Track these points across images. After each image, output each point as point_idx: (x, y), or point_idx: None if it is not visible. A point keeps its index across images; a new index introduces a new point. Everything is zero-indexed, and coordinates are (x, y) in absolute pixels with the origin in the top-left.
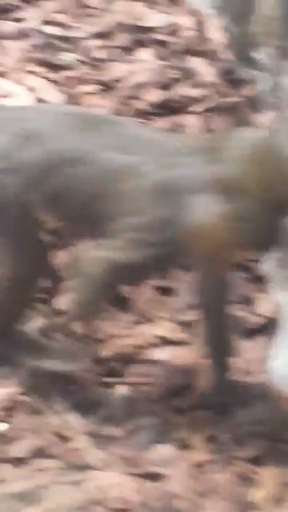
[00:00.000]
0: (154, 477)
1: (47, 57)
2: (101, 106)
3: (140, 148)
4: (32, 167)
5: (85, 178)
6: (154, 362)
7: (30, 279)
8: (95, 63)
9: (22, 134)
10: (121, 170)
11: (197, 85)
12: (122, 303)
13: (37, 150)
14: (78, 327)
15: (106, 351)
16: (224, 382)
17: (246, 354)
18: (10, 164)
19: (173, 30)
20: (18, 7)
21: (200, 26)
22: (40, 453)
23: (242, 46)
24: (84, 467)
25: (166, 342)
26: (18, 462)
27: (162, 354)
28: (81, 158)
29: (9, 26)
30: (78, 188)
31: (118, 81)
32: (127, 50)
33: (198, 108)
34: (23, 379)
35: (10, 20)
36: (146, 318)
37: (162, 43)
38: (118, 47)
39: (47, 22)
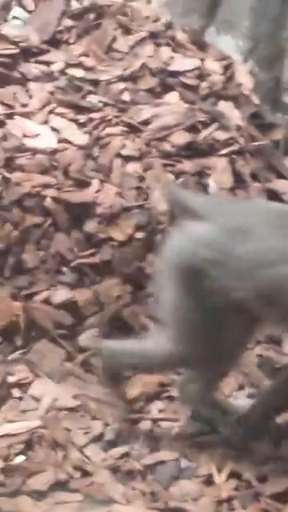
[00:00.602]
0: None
1: (72, 99)
2: (126, 147)
3: None
4: (242, 262)
5: None
6: (177, 399)
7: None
8: (121, 106)
9: (234, 228)
10: None
11: (224, 128)
12: None
13: (248, 246)
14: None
15: (131, 388)
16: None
17: None
18: (219, 256)
19: (200, 74)
20: (44, 50)
21: (227, 70)
22: (60, 486)
23: (271, 91)
24: (105, 501)
25: None
26: (38, 494)
27: None
28: None
29: (34, 69)
30: None
31: (144, 123)
32: (154, 93)
33: (225, 151)
34: (44, 412)
35: (36, 63)
36: None
37: (189, 87)
38: (144, 90)
39: (73, 65)
